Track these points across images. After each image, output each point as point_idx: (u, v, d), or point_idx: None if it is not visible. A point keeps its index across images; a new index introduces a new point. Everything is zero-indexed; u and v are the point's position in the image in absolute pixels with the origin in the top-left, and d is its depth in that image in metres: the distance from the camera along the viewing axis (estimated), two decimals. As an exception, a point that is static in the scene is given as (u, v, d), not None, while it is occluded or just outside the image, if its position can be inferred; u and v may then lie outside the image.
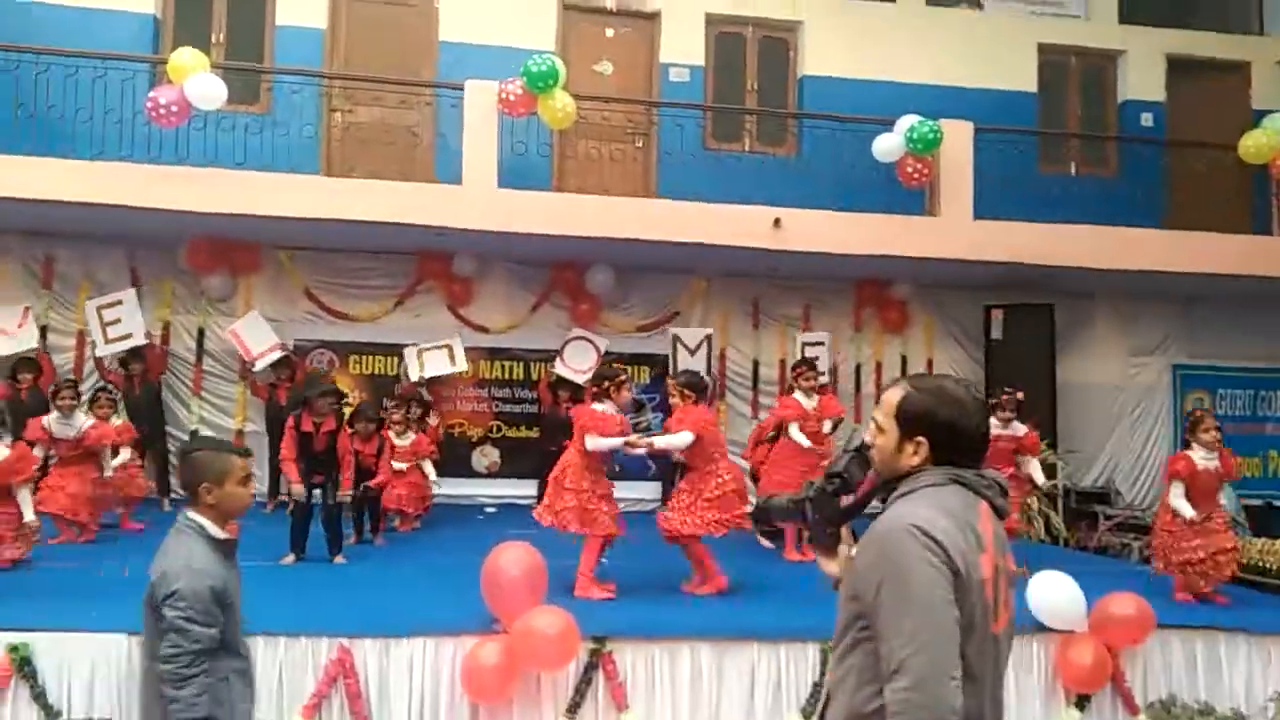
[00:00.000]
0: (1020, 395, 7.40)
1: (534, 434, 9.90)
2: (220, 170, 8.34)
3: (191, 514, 2.95)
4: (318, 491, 6.53)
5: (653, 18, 10.72)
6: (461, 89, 8.74)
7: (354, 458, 6.70)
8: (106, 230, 9.10)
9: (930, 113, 9.29)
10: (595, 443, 5.67)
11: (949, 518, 1.90)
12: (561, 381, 9.59)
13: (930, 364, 10.92)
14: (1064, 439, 10.37)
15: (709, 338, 9.75)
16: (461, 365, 9.36)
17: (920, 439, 2.01)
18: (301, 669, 4.49)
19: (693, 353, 9.66)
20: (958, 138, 9.39)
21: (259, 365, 8.98)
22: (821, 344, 10.31)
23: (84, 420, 6.99)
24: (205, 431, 9.53)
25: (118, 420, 7.51)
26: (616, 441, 5.73)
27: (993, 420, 7.14)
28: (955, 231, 9.36)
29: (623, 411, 5.87)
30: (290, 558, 6.34)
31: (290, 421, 6.65)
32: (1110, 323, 11.02)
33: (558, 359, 9.72)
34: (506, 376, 10.07)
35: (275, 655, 4.47)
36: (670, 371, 9.35)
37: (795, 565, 7.09)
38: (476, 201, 8.58)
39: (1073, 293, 10.70)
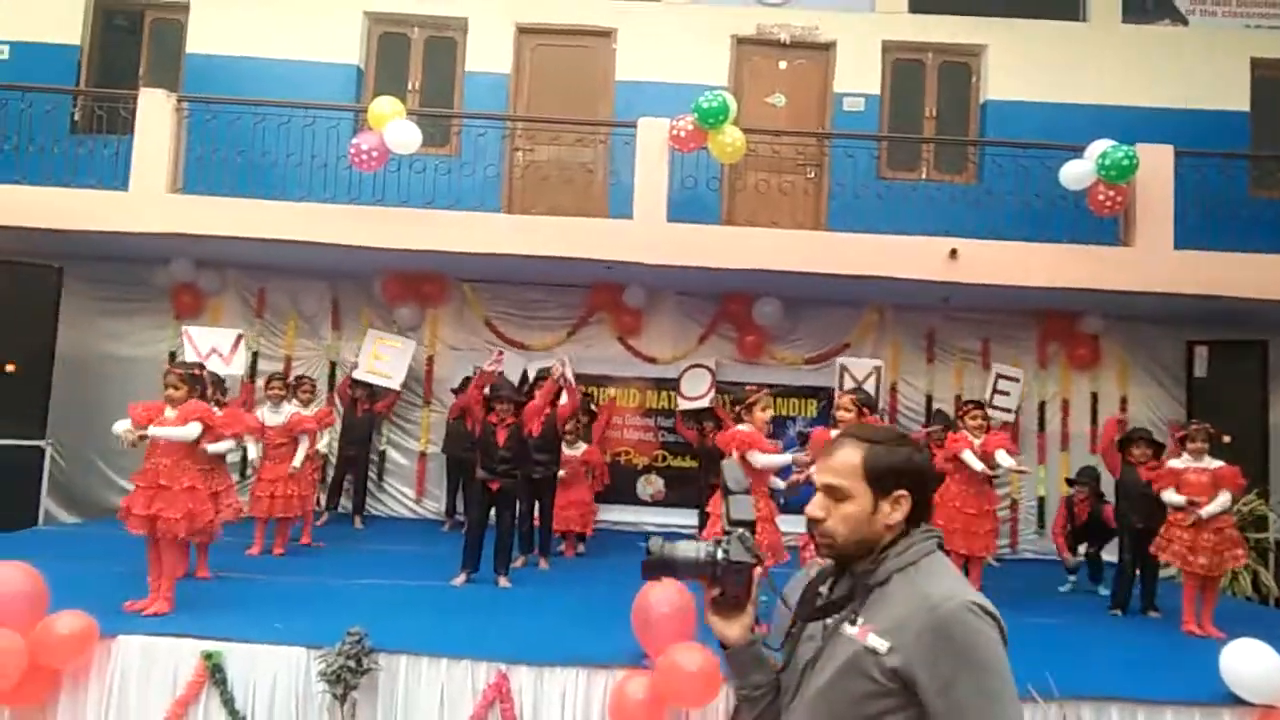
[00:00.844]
0: (1211, 429, 6.82)
1: (695, 464, 9.96)
2: (411, 210, 8.91)
3: None
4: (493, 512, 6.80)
5: (828, 48, 10.65)
6: (634, 127, 8.97)
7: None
8: (311, 265, 9.87)
9: (1125, 136, 8.76)
10: (763, 460, 5.64)
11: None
12: (701, 413, 9.61)
13: (1124, 402, 10.24)
14: (1279, 487, 9.46)
15: (878, 369, 9.53)
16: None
17: (901, 494, 1.80)
18: (461, 691, 4.68)
19: (860, 384, 9.46)
20: (1156, 162, 8.80)
21: (360, 374, 9.43)
22: (1016, 380, 9.84)
23: (290, 409, 7.71)
24: (393, 454, 10.18)
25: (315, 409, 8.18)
26: (785, 457, 5.69)
27: (1184, 455, 6.65)
28: (1152, 262, 8.75)
29: (764, 434, 5.83)
30: (461, 578, 6.62)
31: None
32: (1333, 359, 9.98)
33: (677, 392, 9.76)
34: (672, 407, 10.16)
35: (437, 676, 4.70)
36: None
37: None
38: (646, 235, 8.76)
39: (1290, 327, 9.78)
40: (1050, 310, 10.16)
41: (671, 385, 10.23)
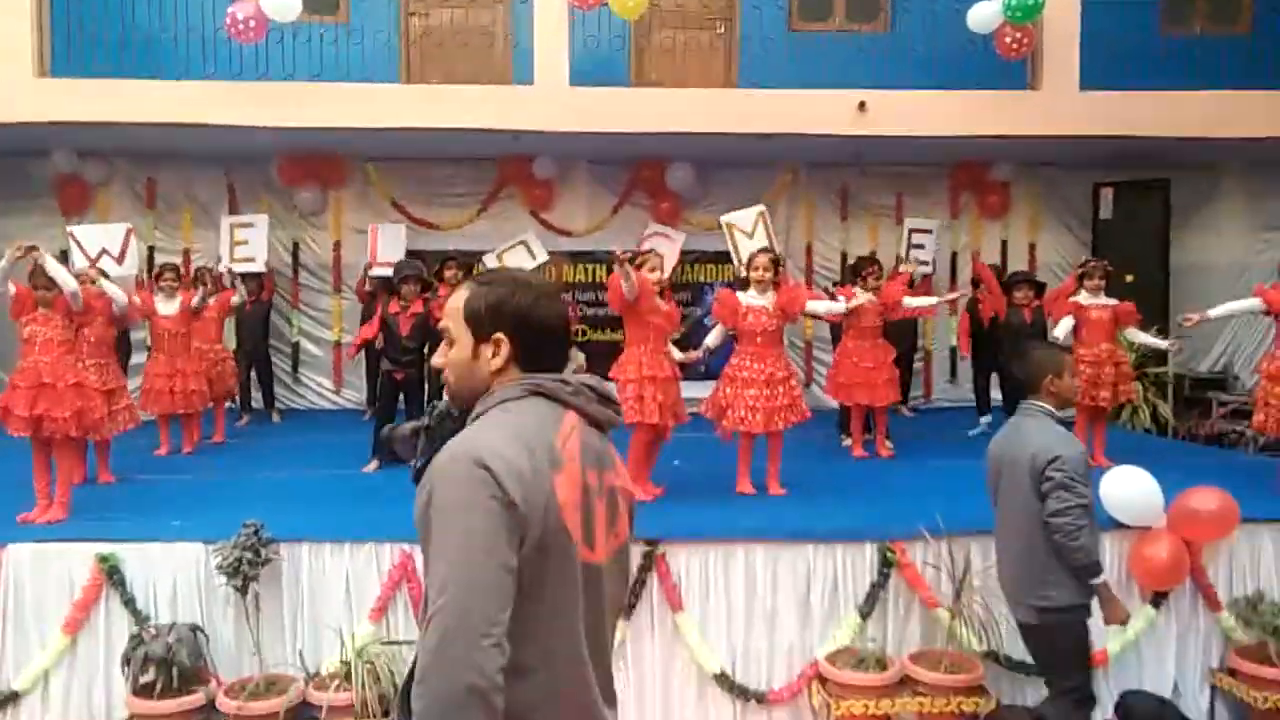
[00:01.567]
0: (1108, 265, 6.98)
1: (618, 337, 9.89)
2: (302, 84, 8.44)
3: (1036, 401, 3.77)
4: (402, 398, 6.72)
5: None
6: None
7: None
8: (203, 150, 9.39)
9: (1036, -24, 8.56)
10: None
11: (515, 439, 1.62)
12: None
13: (1033, 249, 10.40)
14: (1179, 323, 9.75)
15: (762, 214, 9.41)
16: (542, 256, 9.26)
17: (498, 336, 1.72)
18: (366, 573, 4.71)
19: (751, 235, 9.36)
20: (1062, 0, 8.65)
21: (374, 271, 9.16)
22: (929, 232, 9.83)
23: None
24: (307, 345, 9.96)
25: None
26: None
27: (1081, 292, 6.80)
28: (1058, 105, 8.70)
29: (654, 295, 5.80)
30: (373, 465, 6.59)
31: (377, 308, 6.89)
32: (1235, 197, 10.16)
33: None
34: (590, 279, 10.06)
35: (341, 561, 4.71)
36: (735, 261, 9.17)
37: (858, 462, 7.01)
38: (548, 101, 8.44)
39: (1193, 166, 9.88)
40: (961, 160, 10.14)
41: (591, 258, 10.09)
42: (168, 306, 7.39)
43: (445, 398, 1.82)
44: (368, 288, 9.22)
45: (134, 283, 8.15)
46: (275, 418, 9.22)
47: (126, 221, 9.37)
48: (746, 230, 9.34)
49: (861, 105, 8.67)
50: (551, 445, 1.65)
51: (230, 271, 8.90)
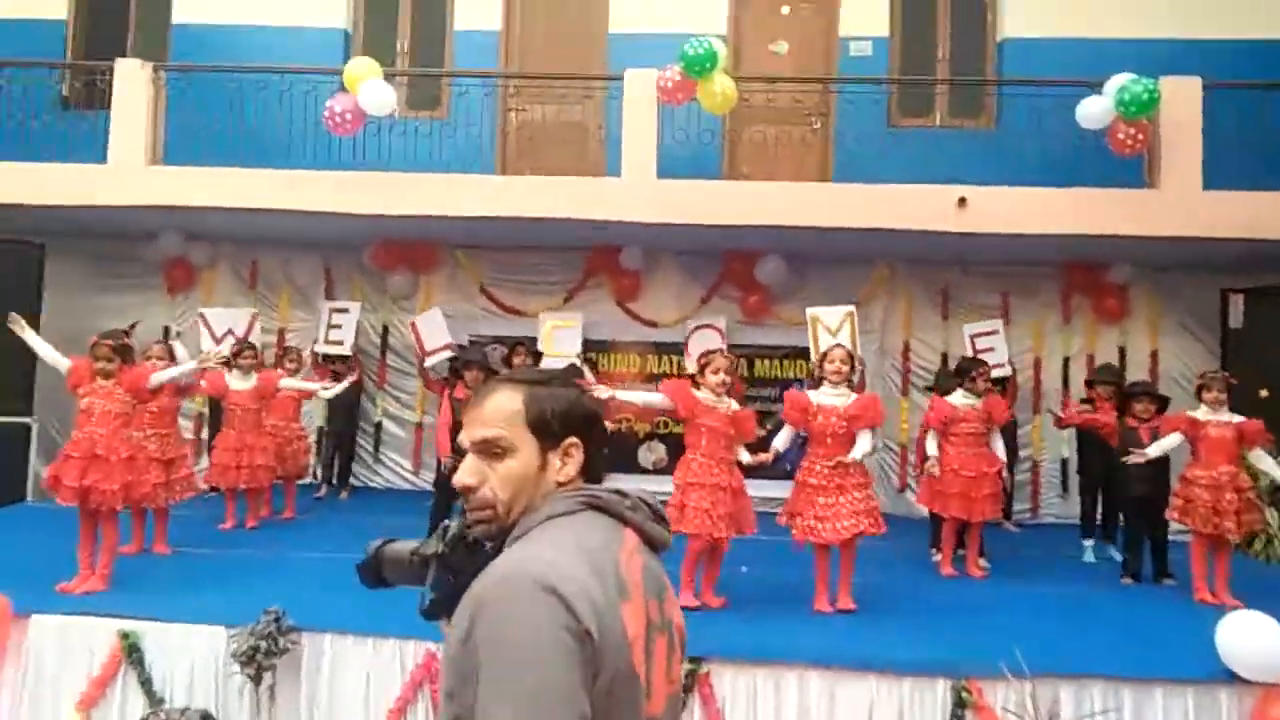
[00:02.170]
0: (1230, 377, 6.29)
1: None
2: (398, 174, 8.60)
3: None
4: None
5: (832, -10, 10.09)
6: (621, 79, 8.55)
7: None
8: (302, 235, 9.65)
9: (1154, 71, 8.12)
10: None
11: (582, 558, 1.34)
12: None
13: (1155, 356, 9.63)
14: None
15: (851, 315, 9.01)
16: (578, 319, 9.22)
17: (572, 442, 1.47)
18: (389, 671, 4.43)
19: (835, 333, 8.97)
20: (1181, 96, 8.15)
21: (429, 361, 9.20)
22: (994, 333, 9.26)
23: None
24: (389, 425, 9.98)
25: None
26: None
27: (1200, 406, 6.14)
28: (1180, 204, 8.12)
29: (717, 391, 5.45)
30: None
31: (445, 391, 6.77)
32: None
33: (684, 353, 9.36)
34: (674, 372, 9.77)
35: (363, 655, 4.45)
36: (812, 355, 8.79)
37: (945, 582, 6.38)
38: (635, 193, 8.38)
39: (1336, 271, 9.06)
40: (1074, 261, 9.55)
41: (674, 349, 9.85)
42: (241, 383, 7.46)
43: (460, 520, 1.54)
44: (432, 375, 9.23)
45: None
46: (344, 495, 9.20)
47: (229, 302, 9.83)
48: (831, 327, 8.97)
49: (961, 201, 8.29)
50: (618, 569, 1.38)
51: (315, 355, 9.09)
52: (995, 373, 8.80)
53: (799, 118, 9.84)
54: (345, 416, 9.29)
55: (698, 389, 5.48)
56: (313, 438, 9.48)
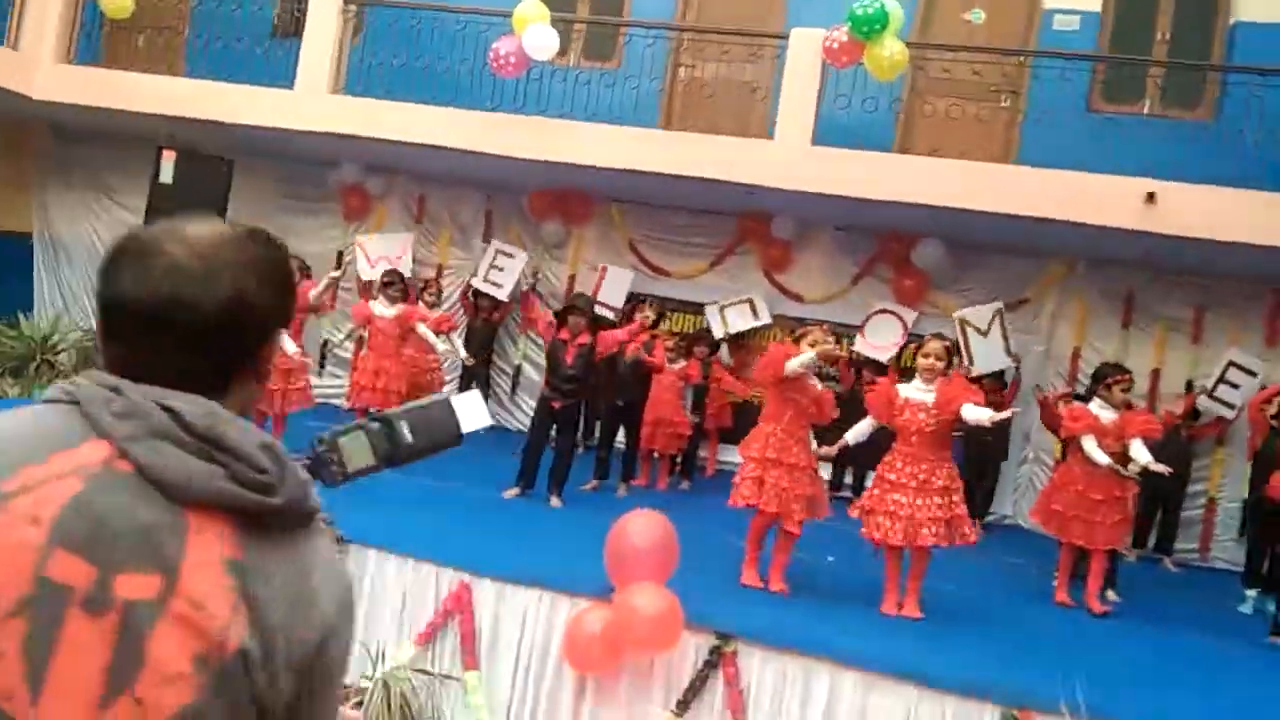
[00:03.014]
0: None
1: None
2: (560, 121, 8.66)
3: None
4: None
5: (1042, -42, 9.26)
6: (785, 38, 8.21)
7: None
8: (469, 175, 9.92)
9: None
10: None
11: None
12: (867, 360, 8.75)
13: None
14: None
15: (1000, 313, 8.32)
16: (765, 318, 8.95)
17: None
18: (424, 593, 4.49)
19: (985, 334, 8.31)
20: None
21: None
22: (1254, 375, 8.22)
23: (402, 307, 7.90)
24: (528, 369, 10.16)
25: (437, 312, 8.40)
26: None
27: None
28: None
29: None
30: (513, 491, 6.43)
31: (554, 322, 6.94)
32: None
33: (859, 334, 8.89)
34: (818, 348, 9.38)
35: (402, 575, 4.52)
36: (964, 360, 8.21)
37: (1053, 610, 5.76)
38: (788, 159, 8.05)
39: None
40: (1285, 278, 8.44)
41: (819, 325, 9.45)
42: (386, 310, 7.77)
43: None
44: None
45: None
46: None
47: (395, 231, 10.29)
48: (981, 328, 8.41)
49: (1150, 196, 7.44)
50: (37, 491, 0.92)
51: (466, 289, 9.38)
52: (1223, 411, 7.99)
53: (986, 93, 9.12)
54: (481, 352, 9.50)
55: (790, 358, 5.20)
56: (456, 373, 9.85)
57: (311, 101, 9.00)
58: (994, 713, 3.93)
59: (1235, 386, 7.94)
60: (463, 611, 4.42)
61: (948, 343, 5.35)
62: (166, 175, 9.11)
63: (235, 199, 9.71)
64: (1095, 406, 6.00)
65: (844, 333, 9.33)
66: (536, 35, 8.25)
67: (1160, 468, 5.66)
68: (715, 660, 4.17)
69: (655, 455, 7.82)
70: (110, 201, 10.74)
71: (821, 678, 4.10)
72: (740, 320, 9.03)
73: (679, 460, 8.16)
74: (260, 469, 0.99)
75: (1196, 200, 7.39)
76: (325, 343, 9.86)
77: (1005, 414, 5.75)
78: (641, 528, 4.28)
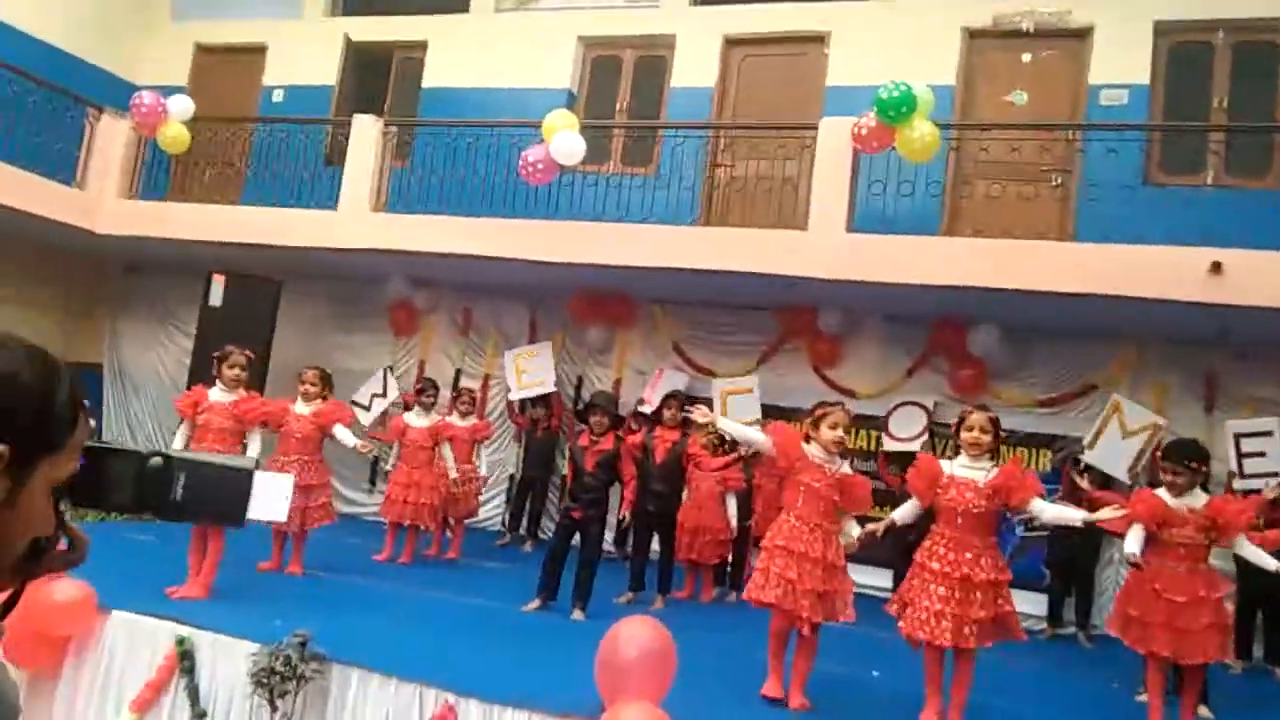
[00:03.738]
0: None
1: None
2: (595, 223, 8.68)
3: None
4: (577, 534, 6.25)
5: (1083, 35, 9.03)
6: (815, 129, 8.10)
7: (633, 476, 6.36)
8: (512, 284, 9.95)
9: None
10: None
11: None
12: (898, 456, 8.27)
13: None
14: None
15: (1158, 427, 7.74)
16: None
17: None
18: (407, 716, 4.17)
19: (1130, 434, 7.79)
20: None
21: (515, 395, 9.24)
22: (1270, 435, 7.57)
23: (438, 418, 7.84)
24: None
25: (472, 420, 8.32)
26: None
27: None
28: None
29: (831, 449, 4.73)
30: (534, 604, 6.09)
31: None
32: None
33: (884, 430, 8.45)
34: (873, 447, 8.94)
35: (386, 696, 4.22)
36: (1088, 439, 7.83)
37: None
38: (821, 246, 7.85)
39: None
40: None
41: (875, 424, 9.03)
42: (420, 420, 7.69)
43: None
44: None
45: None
46: (527, 546, 9.12)
47: (445, 347, 10.34)
48: (1129, 426, 7.85)
49: (1215, 266, 6.96)
50: None
51: (511, 403, 9.30)
52: (1260, 484, 7.23)
53: (1036, 173, 8.79)
54: (542, 464, 9.30)
55: (809, 443, 4.84)
56: (504, 485, 9.69)
57: (354, 220, 9.22)
58: None
59: (1261, 455, 7.20)
60: (448, 731, 4.09)
61: (992, 414, 4.88)
62: (216, 298, 9.38)
63: (287, 319, 9.93)
64: (1164, 493, 5.34)
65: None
66: (564, 141, 8.32)
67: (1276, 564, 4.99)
68: (717, 788, 3.73)
69: (698, 565, 7.39)
70: (174, 329, 11.10)
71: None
72: (746, 408, 8.65)
73: (729, 570, 7.71)
74: None
75: (1265, 266, 6.88)
76: (376, 460, 9.82)
77: (1105, 515, 4.90)
78: (633, 636, 3.92)
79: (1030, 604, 8.10)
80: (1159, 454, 5.75)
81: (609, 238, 8.49)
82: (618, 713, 3.67)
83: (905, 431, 8.70)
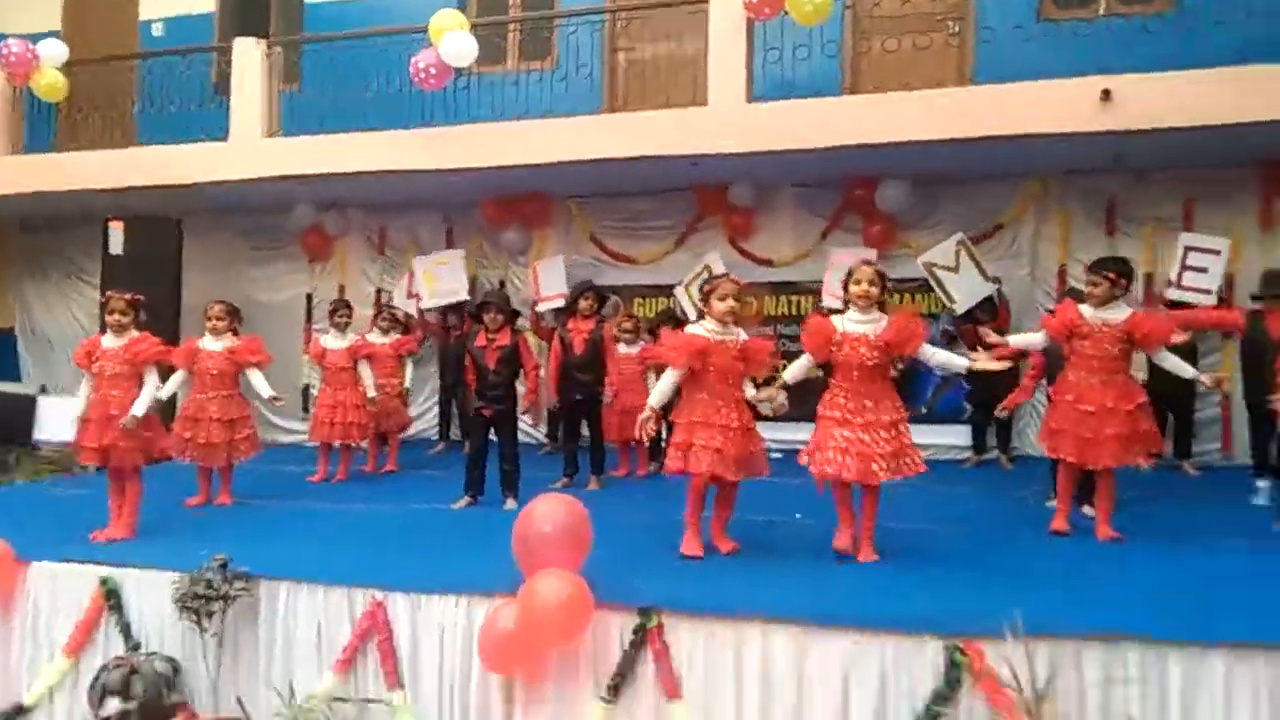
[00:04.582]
0: None
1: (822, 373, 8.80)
2: (494, 125, 8.52)
3: None
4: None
5: None
6: (707, 1, 7.95)
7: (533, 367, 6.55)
8: (423, 198, 9.78)
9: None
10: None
11: None
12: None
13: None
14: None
15: (963, 244, 8.00)
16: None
17: None
18: (339, 620, 4.29)
19: (956, 269, 7.96)
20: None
21: (541, 307, 9.18)
22: (1216, 253, 7.76)
23: (353, 336, 7.83)
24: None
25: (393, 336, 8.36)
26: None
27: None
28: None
29: (726, 320, 4.83)
30: (462, 502, 6.22)
31: (554, 336, 7.20)
32: None
33: (823, 288, 8.54)
34: (794, 312, 9.06)
35: (315, 604, 4.32)
36: (946, 302, 8.08)
37: (1046, 541, 5.30)
38: (722, 121, 7.80)
39: None
40: (1275, 158, 7.89)
41: (795, 289, 9.15)
42: (336, 342, 7.66)
43: None
44: (543, 322, 9.18)
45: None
46: (440, 447, 9.28)
47: (363, 268, 10.21)
48: (949, 265, 8.09)
49: (1105, 94, 7.04)
50: None
51: (423, 312, 9.26)
52: (1201, 299, 7.51)
53: (932, 23, 8.74)
54: (454, 371, 9.30)
55: (703, 319, 4.92)
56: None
57: (247, 149, 8.96)
58: (937, 648, 3.58)
59: (1203, 271, 7.45)
60: (379, 631, 4.19)
61: (879, 267, 4.97)
62: (116, 246, 9.16)
63: (196, 258, 9.73)
64: (1086, 308, 5.44)
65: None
66: (453, 43, 8.10)
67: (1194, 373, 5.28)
68: (640, 639, 3.87)
69: (633, 444, 7.53)
70: (81, 282, 10.81)
71: (753, 640, 3.79)
72: None
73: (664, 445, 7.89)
74: None
75: (1154, 90, 6.96)
76: (305, 387, 9.78)
77: (982, 363, 5.02)
78: (546, 512, 4.02)
79: (955, 436, 8.49)
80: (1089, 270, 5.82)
81: (512, 137, 8.35)
82: (534, 582, 3.80)
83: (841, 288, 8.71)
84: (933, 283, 8.18)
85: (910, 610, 3.76)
